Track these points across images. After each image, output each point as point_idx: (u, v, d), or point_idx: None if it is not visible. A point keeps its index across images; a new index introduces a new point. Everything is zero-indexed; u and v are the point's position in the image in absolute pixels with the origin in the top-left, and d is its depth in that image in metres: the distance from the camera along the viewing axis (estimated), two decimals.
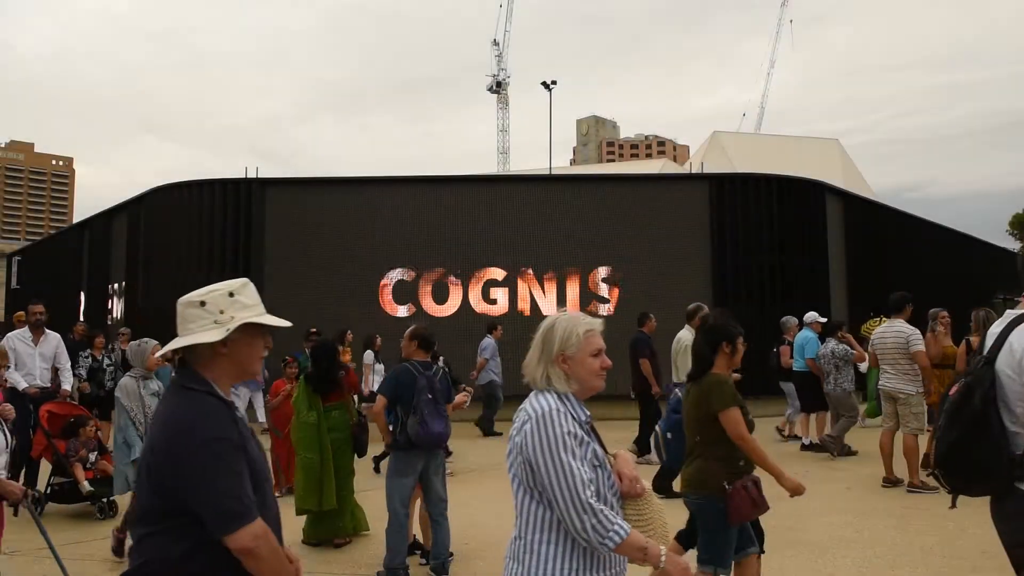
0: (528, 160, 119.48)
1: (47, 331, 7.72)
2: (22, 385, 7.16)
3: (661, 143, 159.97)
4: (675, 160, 69.18)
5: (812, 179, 14.94)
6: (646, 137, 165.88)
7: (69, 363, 7.89)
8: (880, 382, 7.69)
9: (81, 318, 16.97)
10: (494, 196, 13.62)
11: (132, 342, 5.82)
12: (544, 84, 37.61)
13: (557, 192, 13.80)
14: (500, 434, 11.09)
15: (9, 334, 7.95)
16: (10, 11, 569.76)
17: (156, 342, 5.66)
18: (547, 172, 27.58)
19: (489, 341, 11.32)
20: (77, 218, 38.55)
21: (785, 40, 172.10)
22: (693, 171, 18.86)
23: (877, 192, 29.76)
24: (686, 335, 7.93)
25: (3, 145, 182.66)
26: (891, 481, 7.46)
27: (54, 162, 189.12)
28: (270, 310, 2.16)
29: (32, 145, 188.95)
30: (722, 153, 28.58)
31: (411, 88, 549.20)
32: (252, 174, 14.12)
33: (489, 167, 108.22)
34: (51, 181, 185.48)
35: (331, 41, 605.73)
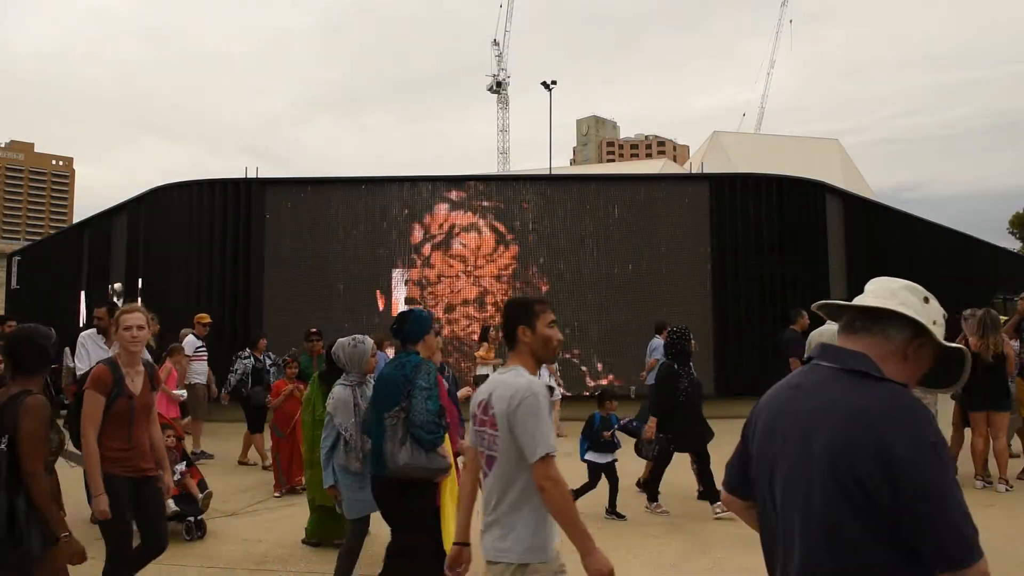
0: (528, 160, 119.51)
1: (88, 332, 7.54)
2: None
3: (661, 143, 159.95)
4: (675, 160, 69.22)
5: (812, 179, 14.93)
6: (646, 137, 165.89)
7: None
8: None
9: (82, 319, 16.98)
10: (494, 196, 13.61)
11: (344, 339, 4.78)
12: (544, 84, 37.65)
13: (557, 192, 13.79)
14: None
15: (82, 334, 7.73)
16: (8, 11, 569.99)
17: (372, 341, 4.85)
18: (547, 172, 27.59)
19: (659, 341, 11.30)
20: (77, 218, 38.63)
21: (785, 40, 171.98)
22: (693, 171, 18.86)
23: (877, 192, 29.79)
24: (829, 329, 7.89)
25: (3, 145, 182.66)
26: None
27: (54, 162, 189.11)
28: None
29: (32, 145, 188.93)
30: (722, 153, 28.60)
31: (411, 88, 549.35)
32: (251, 174, 14.11)
33: (489, 167, 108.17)
34: (51, 181, 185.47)
35: (331, 41, 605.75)
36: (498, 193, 13.65)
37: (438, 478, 4.02)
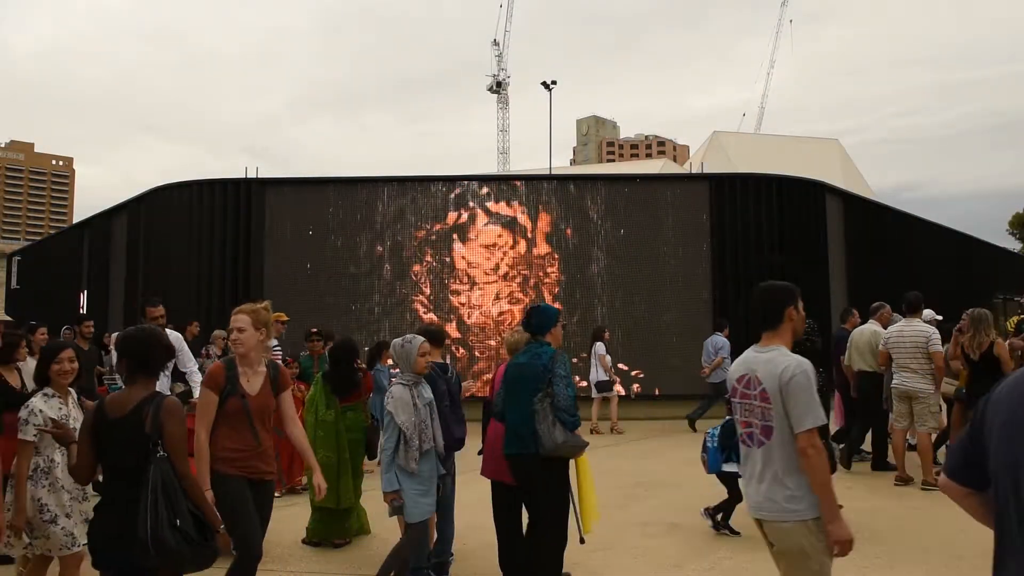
0: (528, 160, 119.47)
1: (167, 331, 7.44)
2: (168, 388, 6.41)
3: (661, 143, 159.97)
4: (675, 160, 69.22)
5: (812, 179, 14.92)
6: (646, 137, 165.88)
7: (196, 365, 7.17)
8: (895, 381, 7.55)
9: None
10: (494, 195, 13.61)
11: (396, 340, 4.78)
12: (544, 84, 37.61)
13: (557, 191, 13.80)
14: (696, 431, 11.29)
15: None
16: (8, 11, 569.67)
17: (422, 338, 4.71)
18: (547, 172, 27.57)
19: (724, 340, 11.57)
20: (77, 218, 38.59)
21: (785, 40, 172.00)
22: (693, 171, 18.86)
23: (877, 192, 29.78)
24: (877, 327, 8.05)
25: (3, 145, 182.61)
26: (903, 480, 7.45)
27: (54, 162, 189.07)
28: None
29: (32, 145, 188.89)
30: (722, 153, 28.56)
31: (410, 88, 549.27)
32: (251, 174, 14.12)
33: (489, 167, 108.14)
34: (51, 181, 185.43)
35: (330, 41, 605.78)
36: (498, 193, 13.65)
37: (581, 454, 4.53)
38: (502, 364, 5.17)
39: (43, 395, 4.14)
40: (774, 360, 3.12)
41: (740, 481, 3.65)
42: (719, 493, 5.97)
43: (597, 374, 11.53)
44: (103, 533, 3.20)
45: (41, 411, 4.03)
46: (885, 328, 8.10)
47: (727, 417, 5.59)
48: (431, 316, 12.99)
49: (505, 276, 13.32)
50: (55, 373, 4.19)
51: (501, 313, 13.11)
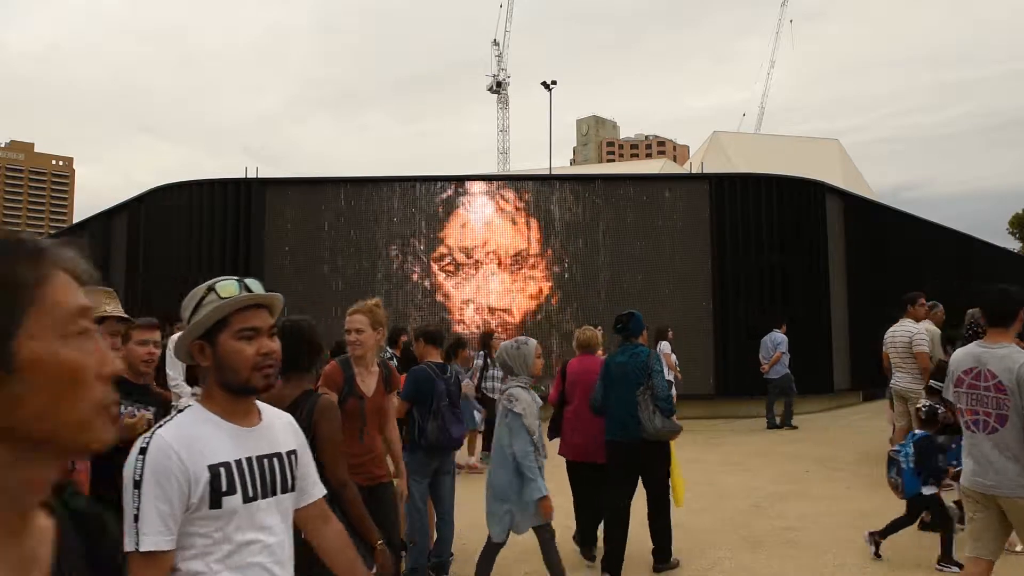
0: (528, 160, 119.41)
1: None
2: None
3: (661, 143, 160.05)
4: (675, 160, 69.19)
5: (812, 179, 14.93)
6: (646, 137, 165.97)
7: (181, 375, 6.58)
8: (892, 381, 7.68)
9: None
10: (494, 195, 13.62)
11: (507, 343, 4.74)
12: (544, 84, 37.59)
13: (557, 191, 13.81)
14: (796, 427, 11.45)
15: (172, 337, 7.37)
16: (8, 11, 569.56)
17: (535, 341, 4.70)
18: (547, 172, 27.58)
19: (783, 336, 11.73)
20: (77, 218, 38.57)
21: (785, 40, 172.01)
22: (693, 171, 18.85)
23: (877, 192, 29.75)
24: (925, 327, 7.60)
25: (3, 145, 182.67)
26: None
27: (54, 162, 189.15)
28: None
29: (32, 145, 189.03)
30: (722, 153, 28.53)
31: (410, 88, 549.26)
32: (250, 174, 14.13)
33: (489, 167, 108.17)
34: (51, 181, 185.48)
35: (330, 41, 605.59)
36: (499, 192, 13.66)
37: (676, 437, 5.23)
38: (572, 359, 5.91)
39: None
40: (1010, 356, 3.56)
41: (963, 458, 3.84)
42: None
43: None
44: None
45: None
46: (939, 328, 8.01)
47: (915, 434, 5.33)
48: (432, 316, 12.99)
49: (505, 276, 13.31)
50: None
51: (501, 312, 13.10)
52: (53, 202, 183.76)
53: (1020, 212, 52.18)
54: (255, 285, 1.86)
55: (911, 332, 7.42)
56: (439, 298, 13.31)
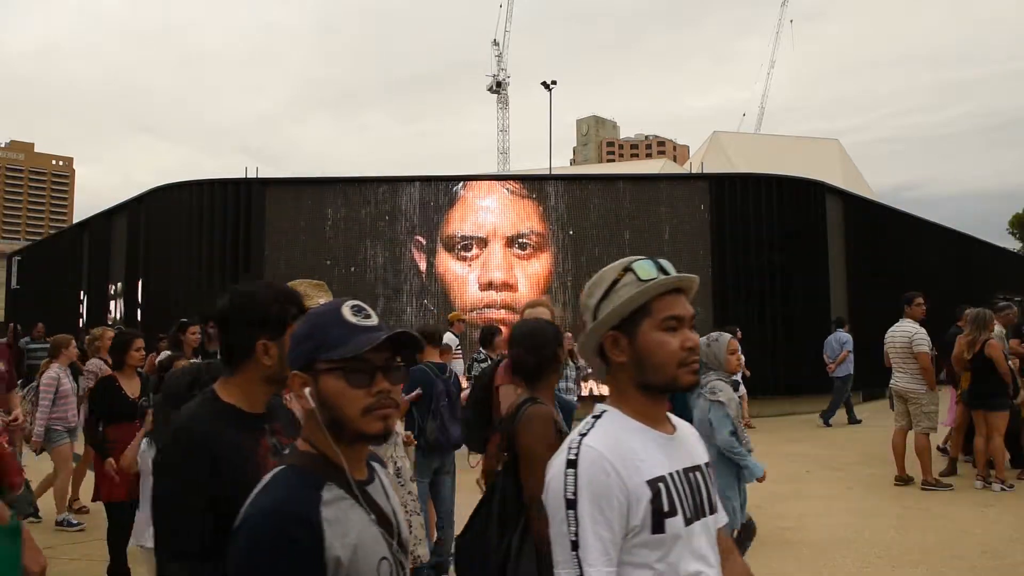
0: (528, 160, 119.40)
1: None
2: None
3: (661, 143, 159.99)
4: (675, 160, 69.16)
5: (812, 179, 14.93)
6: (646, 137, 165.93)
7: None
8: (891, 381, 7.66)
9: (83, 319, 16.95)
10: (494, 195, 13.62)
11: (702, 339, 4.62)
12: (544, 84, 37.56)
13: (557, 191, 13.80)
14: (860, 420, 11.70)
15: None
16: (8, 11, 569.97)
17: (729, 335, 4.54)
18: (547, 172, 27.58)
19: (847, 336, 11.88)
20: (77, 218, 38.57)
21: (785, 40, 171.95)
22: (693, 171, 18.85)
23: (877, 192, 29.74)
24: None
25: (3, 145, 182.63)
26: (903, 479, 7.47)
27: (54, 162, 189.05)
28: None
29: (32, 145, 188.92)
30: (722, 153, 28.52)
31: (410, 88, 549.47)
32: (250, 174, 14.13)
33: (489, 167, 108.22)
34: (51, 181, 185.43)
35: (330, 41, 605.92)
36: (499, 192, 13.65)
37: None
38: None
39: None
40: None
41: None
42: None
43: None
44: (461, 547, 2.63)
45: None
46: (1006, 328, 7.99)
47: None
48: (433, 316, 13.00)
49: (505, 276, 13.31)
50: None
51: (500, 311, 13.09)
52: (53, 202, 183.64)
53: (1020, 212, 52.23)
54: (670, 267, 1.56)
55: (910, 332, 7.41)
56: (439, 298, 13.31)
